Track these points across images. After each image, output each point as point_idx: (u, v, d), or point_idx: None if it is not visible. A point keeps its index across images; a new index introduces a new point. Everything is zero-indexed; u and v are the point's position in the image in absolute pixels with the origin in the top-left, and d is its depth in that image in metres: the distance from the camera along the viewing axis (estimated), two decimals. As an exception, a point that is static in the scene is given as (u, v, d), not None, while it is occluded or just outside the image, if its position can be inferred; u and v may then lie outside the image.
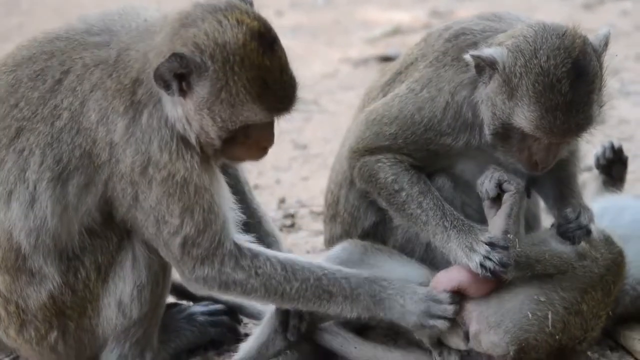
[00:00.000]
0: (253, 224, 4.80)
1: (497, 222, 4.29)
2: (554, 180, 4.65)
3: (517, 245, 4.25)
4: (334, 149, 6.63)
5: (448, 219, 4.42)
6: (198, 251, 4.17)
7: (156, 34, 4.17)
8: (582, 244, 4.40)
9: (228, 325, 4.85)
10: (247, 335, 4.84)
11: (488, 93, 4.35)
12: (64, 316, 4.31)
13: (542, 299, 4.31)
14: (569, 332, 4.34)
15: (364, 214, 4.80)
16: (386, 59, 8.70)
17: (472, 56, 4.31)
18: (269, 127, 4.20)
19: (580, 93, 4.20)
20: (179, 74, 4.03)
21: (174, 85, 4.05)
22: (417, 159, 4.56)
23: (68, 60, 4.22)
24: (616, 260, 4.48)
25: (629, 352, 4.65)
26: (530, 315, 4.29)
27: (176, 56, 3.99)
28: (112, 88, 4.15)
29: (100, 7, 4.53)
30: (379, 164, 4.56)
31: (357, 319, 4.33)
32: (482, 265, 4.26)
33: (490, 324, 4.29)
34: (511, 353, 4.25)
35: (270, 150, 7.19)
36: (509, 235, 4.25)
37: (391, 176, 4.53)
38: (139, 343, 4.41)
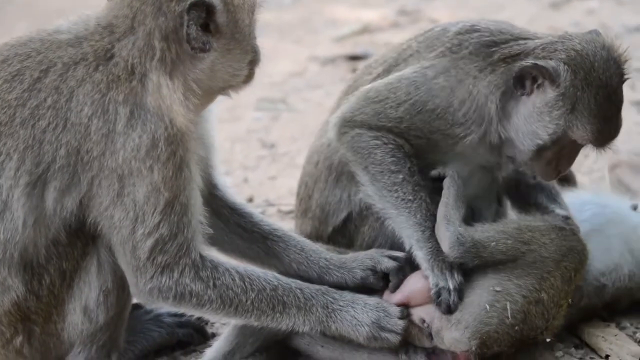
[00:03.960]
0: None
1: (440, 211, 4.35)
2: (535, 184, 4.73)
3: (459, 226, 4.30)
4: (301, 147, 6.61)
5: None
6: (163, 258, 4.15)
7: (125, 23, 4.14)
8: (526, 231, 4.44)
9: (195, 325, 4.85)
10: (214, 335, 4.85)
11: (537, 106, 4.36)
12: (29, 321, 4.28)
13: (498, 289, 4.33)
14: (530, 322, 4.35)
15: (335, 210, 4.78)
16: (354, 57, 8.70)
17: (535, 65, 4.31)
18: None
19: (623, 100, 4.41)
20: (203, 25, 4.10)
21: (199, 40, 4.11)
22: (414, 147, 4.52)
23: (45, 60, 4.17)
24: (574, 248, 4.48)
25: (593, 350, 4.66)
26: (488, 308, 4.30)
27: (197, 5, 4.06)
28: (104, 80, 4.11)
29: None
30: (377, 142, 4.51)
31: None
32: (437, 291, 4.32)
33: (451, 320, 4.31)
34: (473, 348, 4.26)
35: (238, 149, 7.16)
36: (448, 222, 4.30)
37: (390, 157, 4.48)
38: (105, 346, 4.39)
